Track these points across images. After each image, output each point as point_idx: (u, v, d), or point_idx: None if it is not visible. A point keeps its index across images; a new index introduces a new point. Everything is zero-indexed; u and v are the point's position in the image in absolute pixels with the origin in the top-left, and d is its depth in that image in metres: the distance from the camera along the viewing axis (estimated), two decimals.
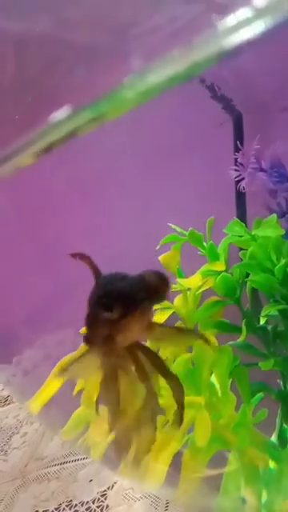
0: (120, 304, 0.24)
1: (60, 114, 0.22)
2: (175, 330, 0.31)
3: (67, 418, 0.34)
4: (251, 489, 0.31)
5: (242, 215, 0.38)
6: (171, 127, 0.40)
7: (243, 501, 0.31)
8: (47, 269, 0.39)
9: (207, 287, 0.37)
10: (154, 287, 0.25)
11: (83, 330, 0.27)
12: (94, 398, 0.32)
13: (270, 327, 0.35)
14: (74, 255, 0.29)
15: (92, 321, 0.26)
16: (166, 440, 0.29)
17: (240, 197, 0.38)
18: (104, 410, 0.27)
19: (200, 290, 0.37)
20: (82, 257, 0.28)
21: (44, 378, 0.35)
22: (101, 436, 0.30)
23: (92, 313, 0.26)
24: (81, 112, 0.21)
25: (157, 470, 0.29)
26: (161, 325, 0.30)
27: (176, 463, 0.30)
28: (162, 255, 0.40)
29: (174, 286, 0.39)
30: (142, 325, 0.25)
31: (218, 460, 0.31)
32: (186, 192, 0.41)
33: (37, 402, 0.36)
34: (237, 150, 0.35)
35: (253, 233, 0.36)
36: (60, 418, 0.35)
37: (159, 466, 0.29)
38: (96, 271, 0.28)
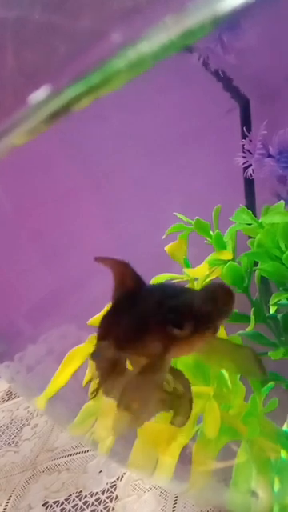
0: (192, 321, 0.22)
1: (45, 90, 0.20)
2: (231, 346, 0.27)
3: (74, 412, 0.32)
4: (263, 478, 0.30)
5: (250, 203, 0.37)
6: (180, 116, 0.39)
7: (253, 494, 0.29)
8: (49, 263, 0.38)
9: (214, 277, 0.36)
10: (223, 303, 0.23)
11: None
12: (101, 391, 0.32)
13: (279, 316, 0.33)
14: (110, 261, 0.25)
15: (138, 333, 0.23)
16: (173, 433, 0.27)
17: (249, 185, 0.36)
18: (111, 403, 0.26)
19: (207, 280, 0.36)
20: (120, 263, 0.25)
21: (48, 374, 0.34)
22: (108, 430, 0.29)
23: (140, 324, 0.23)
24: (72, 85, 0.20)
25: (165, 464, 0.28)
26: (219, 339, 0.26)
27: (184, 457, 0.28)
28: (169, 245, 0.38)
29: (180, 276, 0.37)
30: (207, 341, 0.23)
31: (227, 453, 0.29)
32: (195, 181, 0.39)
33: (48, 393, 0.34)
34: (244, 136, 0.33)
35: (260, 220, 0.34)
36: (67, 413, 0.34)
37: (168, 459, 0.27)
38: (138, 279, 0.25)
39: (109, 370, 0.24)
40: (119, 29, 0.18)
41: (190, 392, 0.24)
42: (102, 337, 0.26)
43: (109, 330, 0.25)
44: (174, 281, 0.36)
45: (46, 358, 0.37)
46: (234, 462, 0.30)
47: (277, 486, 0.31)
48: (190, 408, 0.24)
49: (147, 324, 0.23)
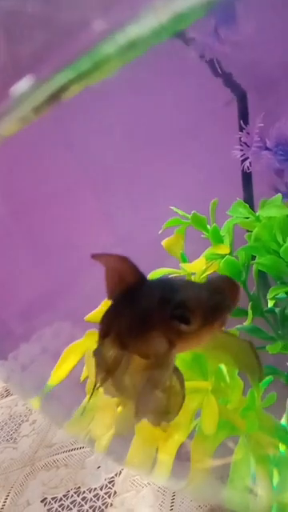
0: (200, 315, 0.21)
1: (30, 78, 0.19)
2: (233, 340, 0.26)
3: (70, 411, 0.32)
4: (262, 471, 0.29)
5: (248, 197, 0.36)
6: (177, 109, 0.38)
7: (251, 491, 0.29)
8: (40, 260, 0.37)
9: (212, 271, 0.35)
10: (230, 295, 0.22)
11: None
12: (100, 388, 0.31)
13: (277, 310, 0.33)
14: (107, 258, 0.24)
15: (143, 329, 0.23)
16: (170, 430, 0.27)
17: (246, 178, 0.36)
18: (108, 401, 0.25)
19: (204, 275, 0.35)
20: (119, 259, 0.24)
21: (43, 372, 0.33)
22: (104, 428, 0.28)
23: (144, 320, 0.22)
24: (60, 72, 0.19)
25: (163, 461, 0.27)
26: (225, 333, 0.26)
27: (181, 454, 0.28)
28: (165, 240, 0.38)
29: (177, 270, 0.37)
30: (214, 335, 0.22)
31: (224, 450, 0.29)
32: (192, 175, 0.38)
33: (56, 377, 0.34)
34: (241, 129, 0.33)
35: (257, 214, 0.34)
36: (63, 412, 0.33)
37: (164, 456, 0.27)
38: (139, 274, 0.24)
39: (110, 367, 0.24)
40: (106, 14, 0.18)
41: (184, 388, 0.24)
42: (104, 334, 0.25)
43: (111, 326, 0.25)
44: (171, 275, 0.36)
45: (40, 357, 0.36)
46: (231, 459, 0.29)
47: (276, 479, 0.30)
48: (182, 405, 0.23)
49: (152, 320, 0.22)
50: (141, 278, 0.24)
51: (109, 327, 0.25)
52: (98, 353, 0.25)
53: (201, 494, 0.38)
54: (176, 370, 0.24)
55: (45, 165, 0.36)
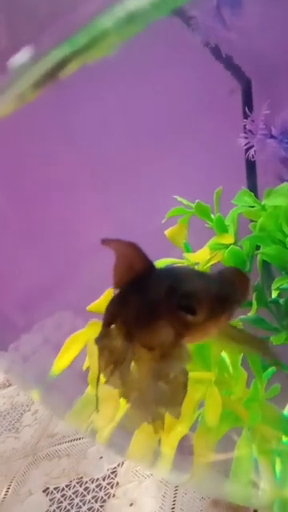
0: (207, 307, 0.20)
1: (27, 51, 0.18)
2: (248, 337, 0.26)
3: (71, 402, 0.31)
4: (265, 461, 0.29)
5: (252, 187, 0.35)
6: (181, 97, 0.38)
7: (254, 485, 0.28)
8: (40, 251, 0.37)
9: (216, 261, 0.35)
10: (240, 287, 0.21)
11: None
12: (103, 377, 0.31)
13: (282, 301, 0.32)
14: (116, 243, 0.23)
15: (149, 319, 0.22)
16: (172, 422, 0.26)
17: (250, 168, 0.35)
18: (111, 392, 0.25)
19: (208, 265, 0.35)
20: (128, 245, 0.23)
21: (44, 363, 0.33)
22: (106, 420, 0.28)
23: (151, 310, 0.22)
24: (56, 47, 0.18)
25: (165, 454, 0.27)
26: (236, 329, 0.25)
27: (183, 447, 0.27)
28: (169, 229, 0.37)
29: (181, 261, 0.36)
30: (220, 327, 0.21)
31: (227, 444, 0.28)
32: (196, 165, 0.38)
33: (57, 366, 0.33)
34: (246, 116, 0.32)
35: (263, 203, 0.33)
36: (64, 403, 0.33)
37: (167, 449, 0.27)
38: (148, 262, 0.23)
39: (114, 358, 0.23)
40: None
41: (187, 380, 0.23)
42: (108, 323, 0.24)
43: (116, 315, 0.24)
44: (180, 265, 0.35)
45: (41, 348, 0.36)
46: (233, 453, 0.29)
47: (278, 468, 0.30)
48: (185, 396, 0.23)
49: (158, 310, 0.22)
50: (150, 266, 0.23)
51: (114, 316, 0.24)
52: (100, 341, 0.24)
53: (203, 488, 0.37)
54: None
55: (44, 154, 0.35)
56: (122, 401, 0.29)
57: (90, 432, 0.30)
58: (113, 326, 0.24)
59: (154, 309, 0.22)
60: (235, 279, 0.21)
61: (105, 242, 0.23)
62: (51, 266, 0.37)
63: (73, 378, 0.32)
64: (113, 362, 0.23)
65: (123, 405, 0.29)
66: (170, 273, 0.24)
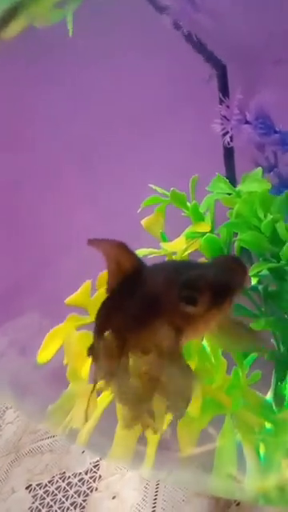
0: (208, 295, 0.18)
1: None
2: (244, 330, 0.24)
3: (44, 406, 0.29)
4: (248, 445, 0.27)
5: (231, 173, 0.33)
6: (158, 86, 0.35)
7: (235, 479, 0.26)
8: (7, 252, 0.34)
9: (193, 250, 0.33)
10: (238, 273, 0.20)
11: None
12: (81, 373, 0.28)
13: (260, 287, 0.30)
14: (103, 244, 0.21)
15: (146, 319, 0.20)
16: None
17: (228, 154, 0.33)
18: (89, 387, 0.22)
19: (185, 254, 0.33)
20: (115, 245, 0.21)
21: (14, 365, 0.30)
22: (85, 415, 0.25)
23: (147, 308, 0.20)
24: None
25: (148, 454, 0.24)
26: (233, 320, 0.23)
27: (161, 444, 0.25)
28: (145, 219, 0.35)
29: (157, 250, 0.34)
30: (222, 317, 0.19)
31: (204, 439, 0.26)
32: (175, 153, 0.36)
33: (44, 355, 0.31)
34: (221, 102, 0.30)
35: (237, 189, 0.31)
36: (37, 408, 0.30)
37: (150, 448, 0.24)
38: (137, 260, 0.21)
39: (109, 367, 0.21)
40: None
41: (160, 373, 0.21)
42: (100, 331, 0.22)
43: (109, 320, 0.22)
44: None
45: (8, 350, 0.33)
46: (211, 446, 0.27)
47: (262, 451, 0.28)
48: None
49: (156, 306, 0.20)
50: (139, 264, 0.21)
51: (107, 321, 0.22)
52: (94, 351, 0.22)
53: (184, 483, 0.35)
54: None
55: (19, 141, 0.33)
56: (100, 399, 0.27)
57: (69, 433, 0.27)
58: (106, 333, 0.21)
59: (152, 307, 0.20)
60: (231, 265, 0.20)
61: (92, 242, 0.21)
62: (19, 266, 0.34)
63: (45, 381, 0.30)
64: (108, 372, 0.21)
65: (101, 402, 0.27)
66: (164, 267, 0.22)
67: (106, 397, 0.27)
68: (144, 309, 0.20)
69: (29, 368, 0.31)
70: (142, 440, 0.25)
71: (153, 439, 0.25)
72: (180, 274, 0.19)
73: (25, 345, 0.30)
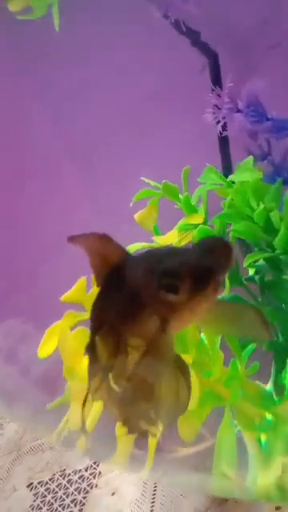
0: (189, 282, 0.18)
1: None
2: (236, 309, 0.23)
3: (34, 412, 0.28)
4: (249, 435, 0.27)
5: (226, 162, 0.33)
6: (154, 81, 0.35)
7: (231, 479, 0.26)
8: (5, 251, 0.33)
9: (186, 242, 0.32)
10: (222, 255, 0.18)
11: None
12: (78, 371, 0.28)
13: (257, 278, 0.30)
14: (85, 238, 0.20)
15: (133, 311, 0.19)
16: None
17: (223, 143, 0.32)
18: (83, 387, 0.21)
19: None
20: (98, 238, 0.20)
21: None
22: (82, 416, 0.24)
23: (132, 300, 0.19)
24: None
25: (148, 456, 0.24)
26: (221, 303, 0.23)
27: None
28: (138, 212, 0.34)
29: (151, 244, 0.33)
30: (210, 304, 0.18)
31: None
32: (172, 146, 0.35)
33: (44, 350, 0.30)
34: (212, 91, 0.29)
35: (229, 179, 0.30)
36: (27, 414, 0.30)
37: (150, 450, 0.24)
38: (121, 250, 0.20)
39: (107, 366, 0.20)
40: None
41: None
42: (96, 329, 0.21)
43: (103, 317, 0.21)
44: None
45: None
46: (203, 446, 0.26)
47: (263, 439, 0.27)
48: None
49: (140, 297, 0.19)
50: (125, 254, 0.20)
51: (101, 317, 0.21)
52: (91, 349, 0.21)
53: (179, 484, 0.35)
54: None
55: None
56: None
57: (64, 440, 0.27)
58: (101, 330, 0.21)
59: (136, 298, 0.19)
60: (215, 247, 0.19)
61: (71, 239, 0.20)
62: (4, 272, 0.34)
63: (32, 388, 0.29)
64: (104, 370, 0.20)
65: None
66: (145, 255, 0.21)
67: None
68: (130, 301, 0.19)
69: (15, 375, 0.30)
70: (137, 443, 0.24)
71: (151, 441, 0.24)
72: (160, 261, 0.19)
73: (9, 351, 0.29)
